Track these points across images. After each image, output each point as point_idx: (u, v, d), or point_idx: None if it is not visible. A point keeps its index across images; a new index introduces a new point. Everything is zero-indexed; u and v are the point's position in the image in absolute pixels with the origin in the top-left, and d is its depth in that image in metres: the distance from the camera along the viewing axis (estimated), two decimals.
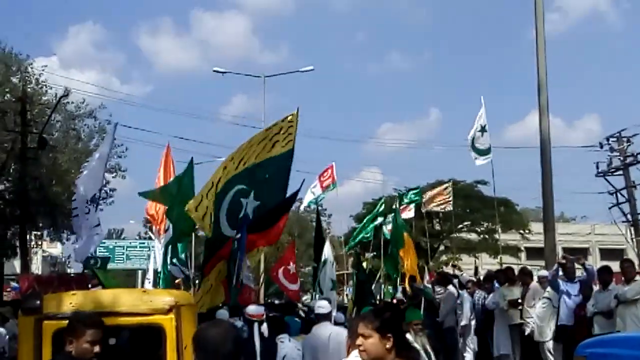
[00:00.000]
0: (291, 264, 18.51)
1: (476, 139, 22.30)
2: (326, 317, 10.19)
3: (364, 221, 29.34)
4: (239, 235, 12.49)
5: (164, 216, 16.62)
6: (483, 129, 22.40)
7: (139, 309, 6.13)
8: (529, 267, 17.38)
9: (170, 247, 15.77)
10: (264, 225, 13.13)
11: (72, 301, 6.15)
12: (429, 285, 17.78)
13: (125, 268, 50.58)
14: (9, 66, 28.53)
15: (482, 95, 23.32)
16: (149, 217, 21.12)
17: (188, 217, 12.51)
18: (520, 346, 14.38)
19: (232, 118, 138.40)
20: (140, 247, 49.92)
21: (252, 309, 9.93)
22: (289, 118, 13.38)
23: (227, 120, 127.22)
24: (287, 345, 9.76)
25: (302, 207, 30.70)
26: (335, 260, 19.58)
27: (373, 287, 21.67)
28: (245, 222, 12.61)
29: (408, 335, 10.77)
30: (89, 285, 14.59)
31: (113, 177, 30.96)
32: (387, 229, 26.32)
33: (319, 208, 27.21)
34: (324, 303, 10.35)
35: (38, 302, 6.05)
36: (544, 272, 14.49)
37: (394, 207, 28.18)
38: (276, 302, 23.30)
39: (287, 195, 13.60)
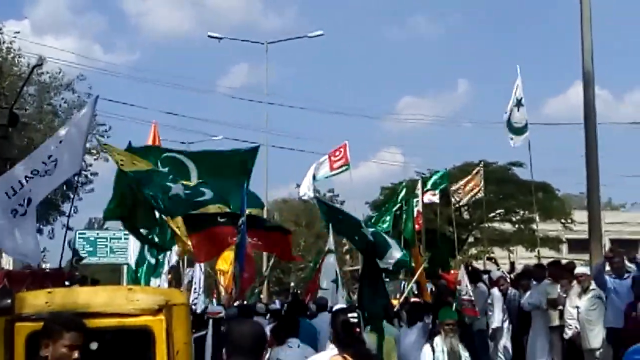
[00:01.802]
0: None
1: (512, 116, 22.15)
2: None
3: (384, 208, 29.28)
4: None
5: None
6: (519, 103, 22.29)
7: (124, 309, 6.14)
8: (574, 262, 17.35)
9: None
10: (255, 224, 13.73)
11: (48, 300, 6.17)
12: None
13: (109, 262, 50.69)
14: None
15: (518, 64, 23.13)
16: None
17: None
18: (562, 352, 14.38)
19: (230, 90, 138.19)
20: (125, 238, 49.77)
21: (211, 307, 10.22)
22: (249, 153, 13.93)
23: (224, 93, 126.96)
24: (293, 352, 9.69)
25: (301, 192, 30.36)
26: (348, 255, 19.72)
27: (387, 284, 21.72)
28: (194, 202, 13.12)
29: (437, 338, 10.88)
30: (67, 282, 14.67)
31: (95, 159, 31.07)
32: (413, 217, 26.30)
33: (331, 194, 27.28)
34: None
35: (9, 301, 6.06)
36: (582, 269, 14.41)
37: (416, 192, 28.20)
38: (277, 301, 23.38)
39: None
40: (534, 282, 15.34)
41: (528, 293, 15.20)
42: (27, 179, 12.89)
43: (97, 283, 16.08)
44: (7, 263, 54.61)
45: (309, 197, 30.05)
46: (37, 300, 6.20)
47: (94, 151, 30.55)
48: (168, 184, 13.04)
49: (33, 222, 12.77)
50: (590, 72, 16.89)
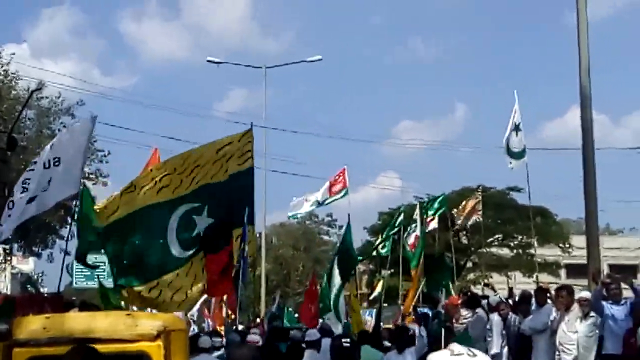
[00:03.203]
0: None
1: (510, 141, 22.19)
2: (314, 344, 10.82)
3: (385, 234, 29.28)
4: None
5: None
6: (517, 128, 22.32)
7: (122, 334, 6.13)
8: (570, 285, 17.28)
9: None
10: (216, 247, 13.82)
11: (46, 325, 6.15)
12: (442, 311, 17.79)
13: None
14: None
15: (516, 88, 23.21)
16: None
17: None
18: None
19: (228, 115, 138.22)
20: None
21: (249, 337, 10.42)
22: (245, 137, 14.32)
23: (223, 118, 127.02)
24: None
25: (290, 213, 30.53)
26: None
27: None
28: (207, 240, 13.45)
29: None
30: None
31: (93, 184, 31.04)
32: (408, 242, 26.34)
33: (329, 219, 27.33)
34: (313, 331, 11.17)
35: (7, 326, 6.05)
36: (585, 294, 14.40)
37: (414, 217, 28.23)
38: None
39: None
40: (535, 306, 15.29)
41: (529, 317, 15.14)
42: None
43: (91, 307, 16.02)
44: (5, 287, 54.57)
45: (294, 216, 30.28)
46: (35, 325, 6.18)
47: (93, 176, 30.51)
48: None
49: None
50: (588, 92, 16.90)
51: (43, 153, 13.94)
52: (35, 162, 13.96)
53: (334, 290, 18.65)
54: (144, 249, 13.25)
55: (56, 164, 13.34)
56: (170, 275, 13.32)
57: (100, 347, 6.06)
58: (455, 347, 3.92)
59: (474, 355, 3.78)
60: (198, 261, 13.50)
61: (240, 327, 16.54)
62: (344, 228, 22.45)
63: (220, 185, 13.85)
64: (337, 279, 18.79)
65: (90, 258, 15.01)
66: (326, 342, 14.03)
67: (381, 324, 20.26)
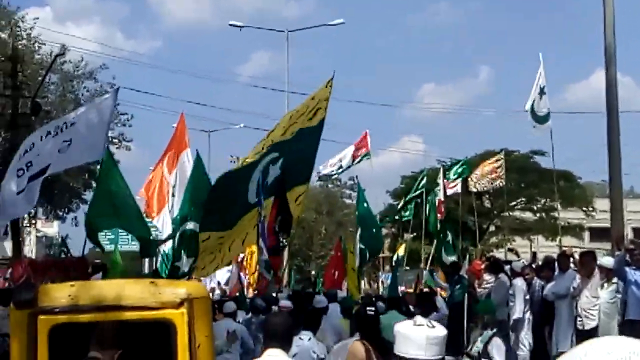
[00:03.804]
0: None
1: (535, 104, 21.98)
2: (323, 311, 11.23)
3: (407, 198, 29.21)
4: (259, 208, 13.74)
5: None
6: (542, 91, 22.12)
7: (146, 302, 6.15)
8: (594, 251, 17.21)
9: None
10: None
11: (70, 293, 6.19)
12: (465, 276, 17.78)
13: (130, 250, 50.78)
14: None
15: (540, 51, 23.01)
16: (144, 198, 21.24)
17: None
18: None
19: (251, 79, 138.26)
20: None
21: (282, 302, 10.73)
22: (328, 84, 14.60)
23: (245, 82, 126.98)
24: (303, 344, 9.88)
25: (319, 175, 30.54)
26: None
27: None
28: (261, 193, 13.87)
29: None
30: (89, 270, 14.82)
31: (117, 148, 31.17)
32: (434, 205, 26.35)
33: (352, 182, 27.27)
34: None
35: (32, 294, 6.09)
36: (606, 260, 14.30)
37: (437, 181, 28.18)
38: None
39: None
40: (558, 272, 15.24)
41: (552, 283, 15.10)
42: (42, 138, 13.15)
43: (104, 267, 16.18)
44: (30, 251, 55.07)
45: (330, 173, 30.23)
46: (59, 293, 6.22)
47: (116, 140, 30.62)
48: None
49: (33, 190, 13.03)
50: (612, 50, 16.65)
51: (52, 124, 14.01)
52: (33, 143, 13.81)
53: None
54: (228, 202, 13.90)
55: (71, 125, 13.36)
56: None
57: (124, 314, 6.11)
58: (418, 318, 4.41)
59: (433, 326, 4.30)
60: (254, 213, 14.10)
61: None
62: (356, 196, 22.61)
63: (299, 136, 14.39)
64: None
65: (101, 236, 15.23)
66: (333, 307, 14.18)
67: (401, 287, 20.37)
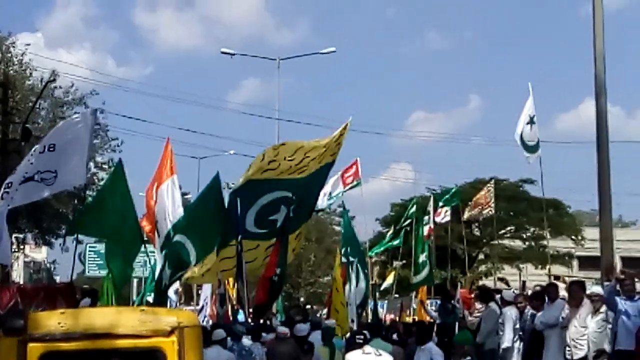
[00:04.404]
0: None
1: (524, 133, 22.06)
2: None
3: (397, 227, 29.28)
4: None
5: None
6: (532, 121, 22.22)
7: (136, 330, 6.13)
8: (583, 280, 17.20)
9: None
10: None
11: (60, 321, 6.17)
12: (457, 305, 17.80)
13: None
14: None
15: (530, 80, 23.19)
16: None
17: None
18: None
19: (242, 106, 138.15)
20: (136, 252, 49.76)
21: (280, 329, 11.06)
22: (345, 127, 15.46)
23: (236, 109, 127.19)
24: None
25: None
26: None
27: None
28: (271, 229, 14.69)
29: None
30: (78, 296, 14.81)
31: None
32: (423, 234, 26.36)
33: (341, 209, 27.19)
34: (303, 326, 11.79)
35: (22, 321, 6.06)
36: (596, 289, 14.32)
37: (427, 209, 28.25)
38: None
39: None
40: (547, 301, 15.23)
41: (541, 312, 15.09)
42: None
43: (95, 294, 16.14)
44: (18, 276, 54.80)
45: (322, 207, 30.29)
46: (50, 320, 6.20)
47: (106, 166, 30.56)
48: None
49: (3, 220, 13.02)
50: (602, 80, 16.71)
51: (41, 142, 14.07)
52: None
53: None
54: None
55: (51, 149, 13.37)
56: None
57: (115, 342, 6.09)
58: (366, 348, 4.96)
59: (379, 354, 4.86)
60: (265, 244, 14.80)
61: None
62: (343, 221, 22.96)
63: (313, 177, 15.16)
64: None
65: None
66: (315, 335, 14.25)
67: (390, 315, 20.40)
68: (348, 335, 14.22)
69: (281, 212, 14.76)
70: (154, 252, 18.73)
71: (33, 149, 14.16)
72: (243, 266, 14.13)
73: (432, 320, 19.63)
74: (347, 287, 18.59)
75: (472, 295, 18.48)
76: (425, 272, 23.63)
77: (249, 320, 15.22)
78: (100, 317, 6.37)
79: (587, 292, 14.25)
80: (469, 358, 11.23)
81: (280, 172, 14.45)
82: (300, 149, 14.79)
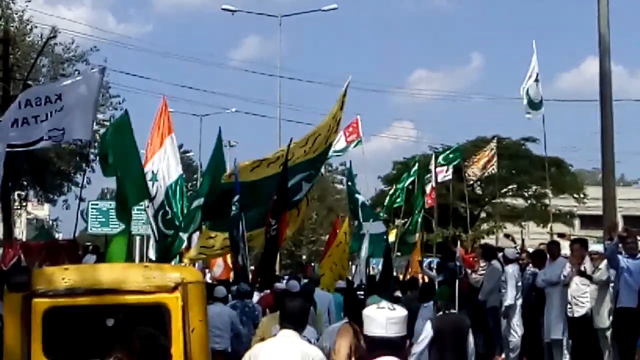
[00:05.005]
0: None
1: (531, 90, 22.01)
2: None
3: (399, 185, 29.25)
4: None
5: None
6: (536, 79, 22.16)
7: (140, 286, 6.15)
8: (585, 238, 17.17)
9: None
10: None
11: (64, 276, 6.18)
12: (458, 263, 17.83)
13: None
14: None
15: (533, 38, 23.04)
16: None
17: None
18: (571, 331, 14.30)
19: (243, 64, 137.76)
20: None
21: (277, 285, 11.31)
22: (344, 93, 16.42)
23: (237, 66, 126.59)
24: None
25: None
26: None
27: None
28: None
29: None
30: (80, 253, 14.88)
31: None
32: (425, 192, 26.43)
33: (343, 167, 27.34)
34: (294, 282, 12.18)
35: (26, 277, 6.07)
36: (597, 247, 14.34)
37: (429, 167, 28.21)
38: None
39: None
40: (549, 260, 15.25)
41: (542, 270, 15.14)
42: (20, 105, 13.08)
43: (98, 250, 16.22)
44: (21, 233, 54.93)
45: None
46: (53, 276, 6.21)
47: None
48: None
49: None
50: (607, 41, 16.53)
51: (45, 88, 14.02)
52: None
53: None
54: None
55: (58, 109, 13.27)
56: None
57: (118, 298, 6.10)
58: (382, 302, 5.10)
59: (394, 309, 4.97)
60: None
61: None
62: (345, 178, 23.57)
63: (319, 155, 16.32)
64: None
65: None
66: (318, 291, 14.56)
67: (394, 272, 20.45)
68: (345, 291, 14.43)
69: (303, 190, 15.94)
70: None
71: (26, 94, 13.94)
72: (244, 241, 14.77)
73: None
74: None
75: (472, 254, 18.57)
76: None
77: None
78: (104, 273, 6.39)
79: (589, 249, 14.30)
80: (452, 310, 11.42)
81: (297, 158, 15.35)
82: (310, 136, 15.91)
